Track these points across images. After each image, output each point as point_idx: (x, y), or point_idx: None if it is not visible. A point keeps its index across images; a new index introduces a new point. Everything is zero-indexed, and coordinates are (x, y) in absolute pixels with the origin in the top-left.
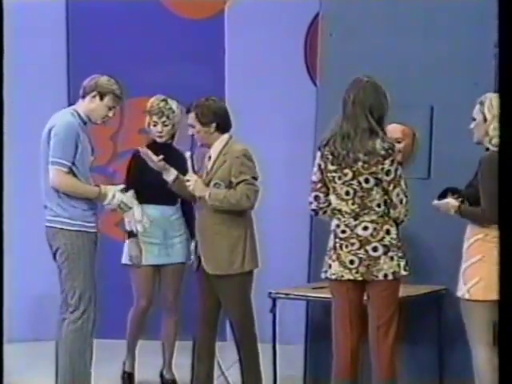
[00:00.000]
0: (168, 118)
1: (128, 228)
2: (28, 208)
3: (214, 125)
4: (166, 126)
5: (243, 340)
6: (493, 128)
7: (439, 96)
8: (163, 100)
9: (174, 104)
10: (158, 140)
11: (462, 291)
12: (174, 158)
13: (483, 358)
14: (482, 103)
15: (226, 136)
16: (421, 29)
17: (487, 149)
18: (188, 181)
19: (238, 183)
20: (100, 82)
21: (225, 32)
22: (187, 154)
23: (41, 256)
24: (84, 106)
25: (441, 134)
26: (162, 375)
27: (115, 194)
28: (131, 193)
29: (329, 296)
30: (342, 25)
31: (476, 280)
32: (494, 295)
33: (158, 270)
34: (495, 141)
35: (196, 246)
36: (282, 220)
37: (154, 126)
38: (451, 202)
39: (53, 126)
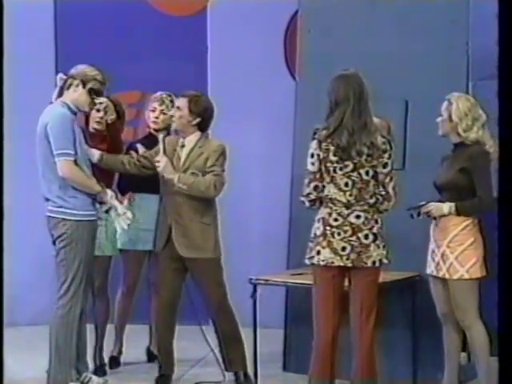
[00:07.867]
0: (167, 107)
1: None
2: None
3: (198, 119)
4: (165, 114)
5: (226, 320)
6: (462, 130)
7: (413, 91)
8: (169, 94)
9: (174, 99)
10: (152, 126)
11: (459, 273)
12: None
13: (482, 331)
14: (450, 102)
15: (200, 133)
16: (396, 26)
17: (459, 143)
18: (158, 161)
19: (208, 172)
20: (81, 71)
21: (207, 29)
22: (160, 136)
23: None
24: (69, 95)
25: (415, 127)
26: (148, 350)
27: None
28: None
29: (307, 282)
30: (320, 22)
31: (474, 261)
32: (483, 272)
33: (149, 255)
34: (472, 137)
35: (156, 229)
36: (262, 209)
37: (153, 111)
38: (439, 204)
39: (48, 122)
